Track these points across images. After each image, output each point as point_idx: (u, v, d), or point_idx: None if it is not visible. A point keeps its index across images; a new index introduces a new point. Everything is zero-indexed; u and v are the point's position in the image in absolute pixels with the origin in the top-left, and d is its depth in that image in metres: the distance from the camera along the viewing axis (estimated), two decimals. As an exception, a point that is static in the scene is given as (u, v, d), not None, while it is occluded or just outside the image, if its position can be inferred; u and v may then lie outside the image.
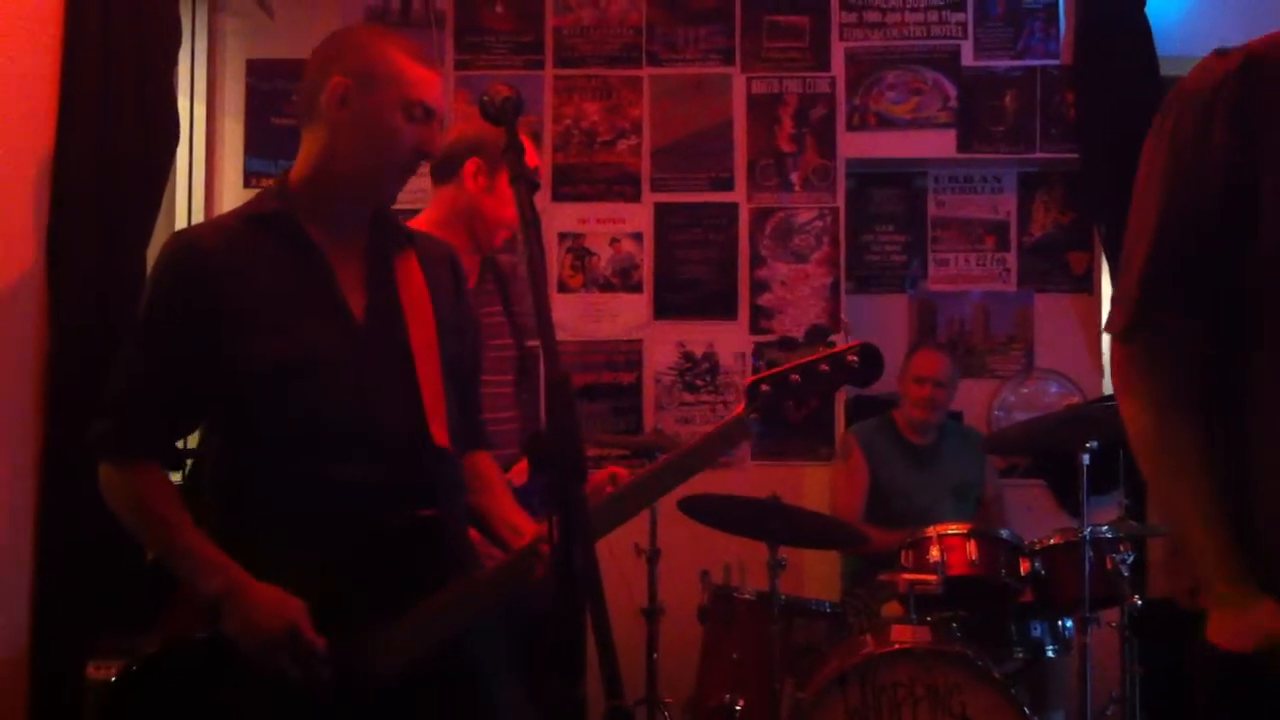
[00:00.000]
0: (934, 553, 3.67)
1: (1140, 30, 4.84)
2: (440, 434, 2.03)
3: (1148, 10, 4.83)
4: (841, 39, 4.99)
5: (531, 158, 2.54)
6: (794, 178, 4.93)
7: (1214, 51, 1.68)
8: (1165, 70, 4.80)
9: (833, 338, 4.73)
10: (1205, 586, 1.61)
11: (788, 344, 4.77)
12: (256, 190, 2.50)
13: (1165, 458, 1.64)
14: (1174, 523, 1.66)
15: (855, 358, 2.09)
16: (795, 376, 2.07)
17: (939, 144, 4.98)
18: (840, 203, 4.91)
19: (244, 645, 1.90)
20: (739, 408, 2.10)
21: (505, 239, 2.85)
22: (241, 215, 2.10)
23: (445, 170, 2.78)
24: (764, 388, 2.08)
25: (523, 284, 2.90)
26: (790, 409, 2.10)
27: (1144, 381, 1.67)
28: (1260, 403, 1.61)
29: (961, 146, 4.98)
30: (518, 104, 1.90)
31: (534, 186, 1.84)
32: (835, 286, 4.83)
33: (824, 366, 2.08)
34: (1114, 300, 1.73)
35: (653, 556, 3.82)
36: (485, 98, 1.90)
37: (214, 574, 1.93)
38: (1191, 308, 1.65)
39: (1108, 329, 1.72)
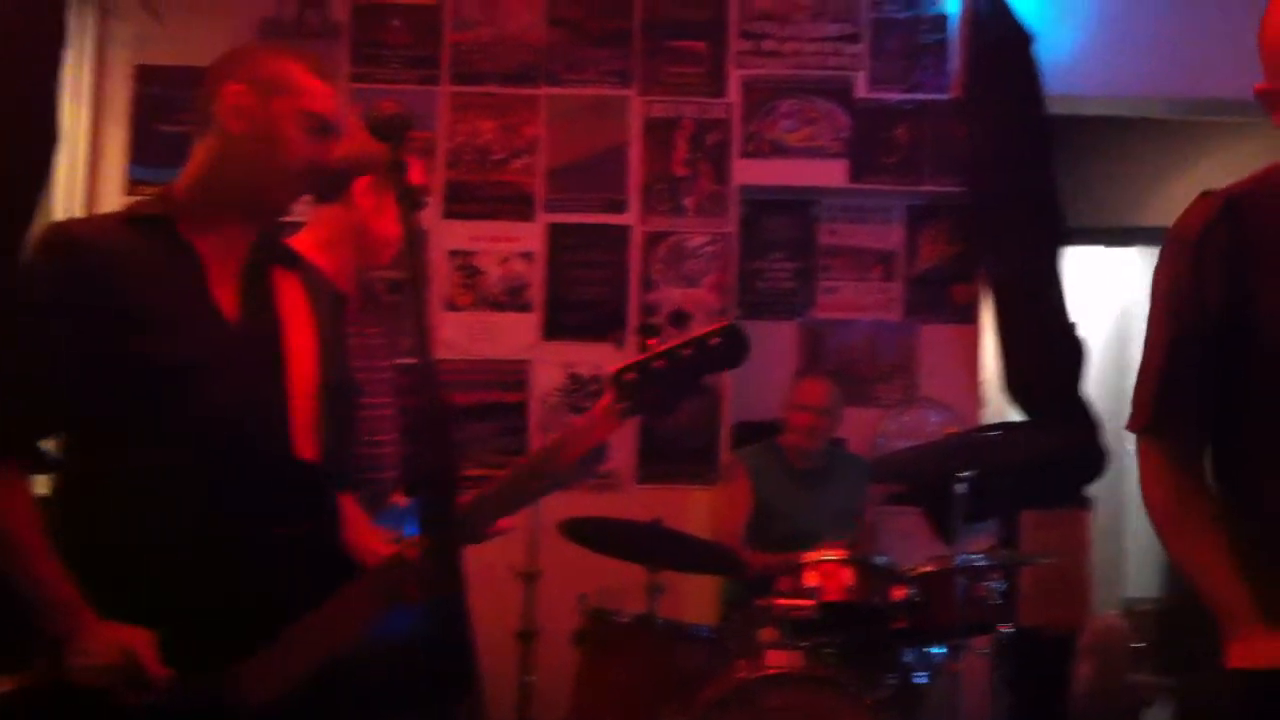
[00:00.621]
0: (811, 578, 3.70)
1: (1030, 68, 4.95)
2: (307, 448, 1.99)
3: (1037, 48, 4.95)
4: (738, 66, 5.04)
5: (416, 175, 2.51)
6: (688, 202, 4.96)
7: (1200, 195, 1.93)
8: (1053, 108, 4.92)
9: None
10: (1230, 627, 1.85)
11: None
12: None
13: (1185, 526, 1.91)
14: (1196, 579, 1.89)
15: (718, 340, 2.05)
16: (660, 363, 2.04)
17: (831, 173, 5.05)
18: (733, 228, 4.95)
19: (83, 679, 1.83)
20: (605, 399, 2.07)
21: (392, 257, 2.81)
22: (120, 216, 2.05)
23: (332, 188, 2.73)
24: (629, 376, 2.05)
25: (405, 303, 2.87)
26: (658, 397, 2.08)
27: (1161, 469, 1.93)
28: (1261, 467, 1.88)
29: (853, 176, 5.05)
30: (405, 121, 1.88)
31: (418, 205, 1.82)
32: (725, 312, 4.86)
33: (687, 350, 2.05)
34: (1134, 403, 1.98)
35: (530, 579, 3.81)
36: (372, 114, 1.88)
37: (60, 614, 1.86)
38: (1197, 410, 1.92)
39: (1130, 427, 1.98)
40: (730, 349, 2.05)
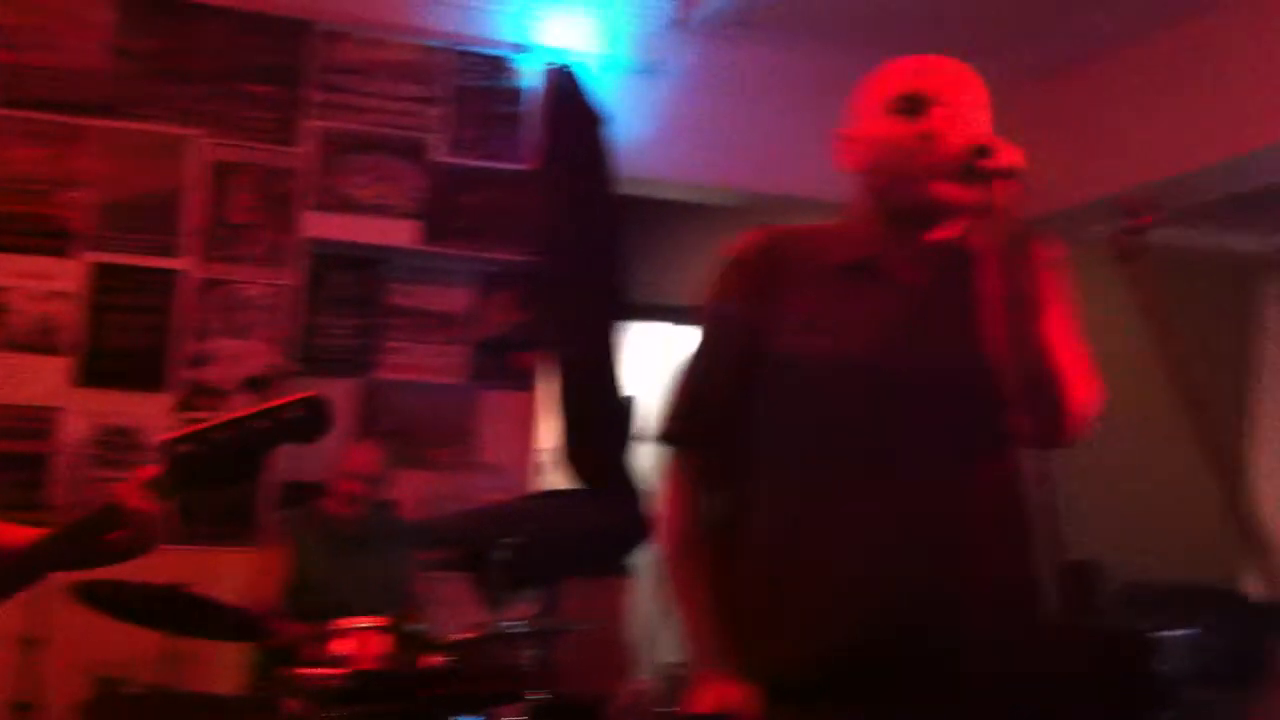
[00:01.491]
0: (342, 646, 3.58)
1: (602, 147, 5.10)
2: None
3: (613, 129, 5.10)
4: (313, 116, 4.93)
5: None
6: (248, 251, 4.78)
7: (752, 228, 2.01)
8: (624, 189, 5.08)
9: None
10: (695, 667, 1.87)
11: (255, 385, 4.58)
12: None
13: (682, 558, 1.94)
14: (682, 607, 1.92)
15: (301, 410, 1.84)
16: (224, 433, 1.81)
17: (402, 233, 5.00)
18: (296, 281, 4.81)
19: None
20: (148, 470, 1.82)
21: None
22: None
23: None
24: (184, 448, 1.81)
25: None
26: (217, 474, 1.85)
27: (681, 487, 1.97)
28: (749, 524, 1.91)
29: (424, 238, 5.02)
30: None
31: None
32: (282, 367, 4.70)
33: (260, 422, 1.82)
34: (665, 415, 2.00)
35: (31, 645, 3.50)
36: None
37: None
38: (725, 429, 1.93)
39: (657, 438, 2.00)
40: (309, 422, 1.84)
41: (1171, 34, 4.89)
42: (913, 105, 1.88)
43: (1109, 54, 5.16)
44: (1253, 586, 5.78)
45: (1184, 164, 4.84)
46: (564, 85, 5.11)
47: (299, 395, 1.85)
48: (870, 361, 1.85)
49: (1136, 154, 4.98)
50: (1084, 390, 1.79)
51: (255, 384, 4.67)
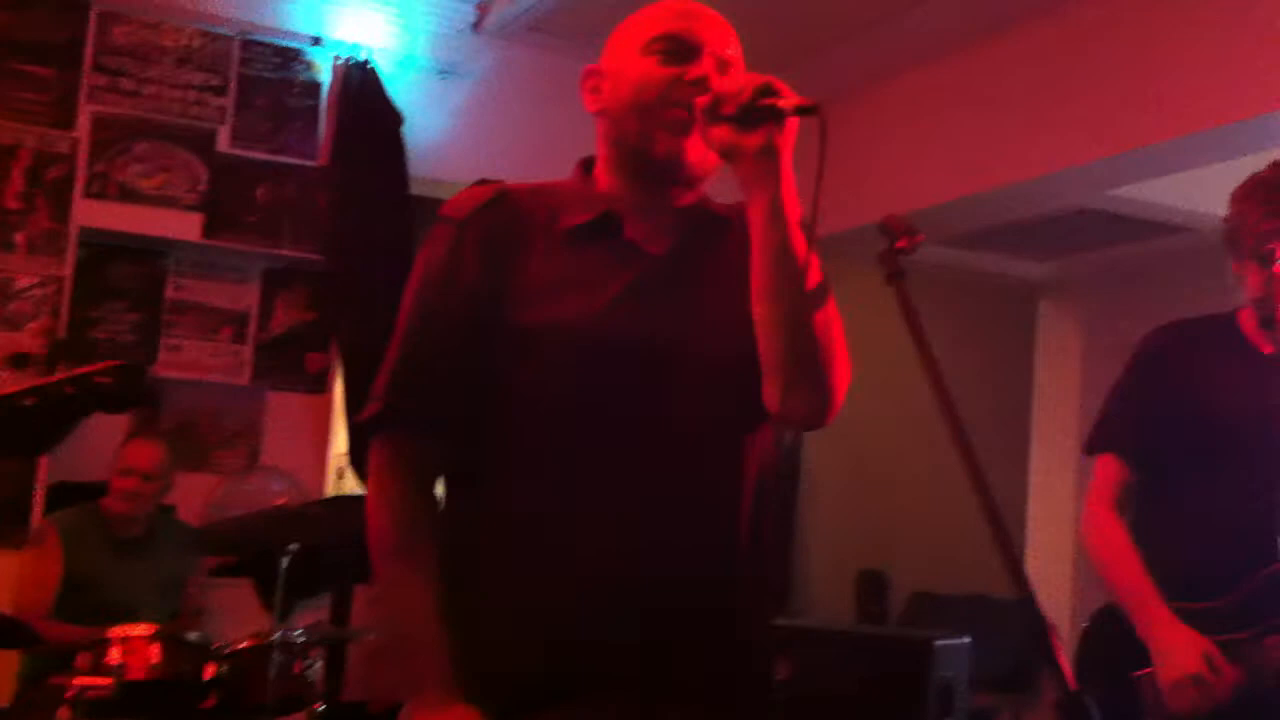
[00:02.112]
0: (114, 655, 3.43)
1: (396, 146, 5.03)
2: None
3: (405, 129, 5.04)
4: (90, 100, 4.72)
5: None
6: (19, 239, 4.54)
7: (475, 182, 1.79)
8: (417, 189, 5.01)
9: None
10: (415, 686, 1.63)
11: (19, 361, 4.34)
12: None
13: (396, 560, 1.67)
14: (398, 622, 1.68)
15: (109, 378, 1.73)
16: (30, 399, 1.70)
17: (184, 226, 4.83)
18: (68, 272, 4.59)
19: None
20: None
21: None
22: None
23: None
24: None
25: None
26: (20, 440, 1.78)
27: (391, 468, 1.71)
28: (477, 518, 1.70)
29: (208, 232, 4.86)
30: None
31: None
32: (49, 359, 4.47)
33: (69, 388, 1.71)
34: (368, 397, 1.74)
35: None
36: None
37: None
38: (432, 423, 1.71)
39: (359, 417, 1.75)
40: (121, 390, 1.74)
41: (950, 62, 5.11)
42: (679, 48, 1.70)
43: (891, 80, 5.35)
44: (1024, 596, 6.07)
45: (964, 189, 5.05)
46: (357, 81, 5.02)
47: (111, 363, 1.76)
48: (606, 335, 1.67)
49: (918, 178, 5.18)
50: (845, 368, 1.66)
51: (17, 360, 4.43)
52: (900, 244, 1.55)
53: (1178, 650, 2.41)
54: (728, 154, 1.62)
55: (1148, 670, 2.45)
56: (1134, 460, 2.60)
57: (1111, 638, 2.59)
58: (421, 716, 1.61)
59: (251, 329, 4.98)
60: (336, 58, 5.03)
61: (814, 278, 1.62)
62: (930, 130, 5.21)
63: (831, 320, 1.64)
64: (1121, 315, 5.59)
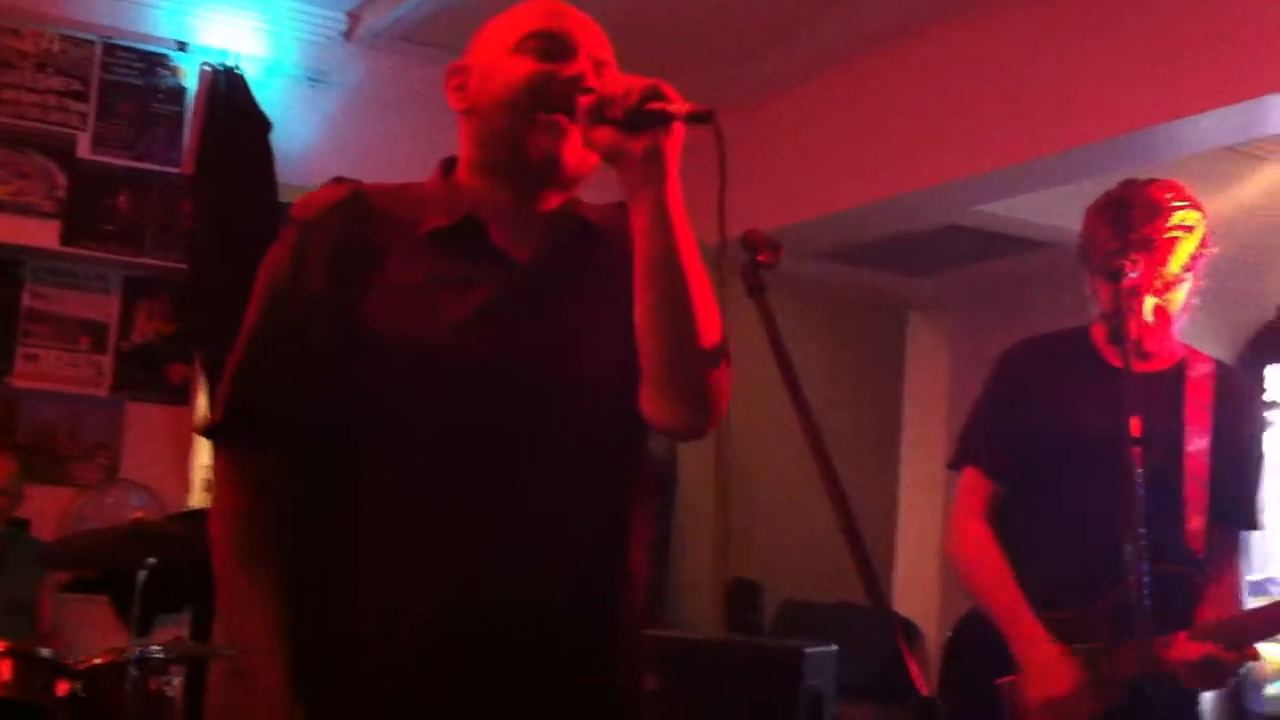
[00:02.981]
0: (-38, 673, 3.31)
1: (263, 154, 4.94)
2: None
3: (272, 136, 4.95)
4: (-59, 103, 4.56)
5: None
6: None
7: (329, 181, 1.71)
8: (285, 197, 4.92)
9: None
10: (252, 704, 1.58)
11: None
12: None
13: (239, 579, 1.60)
14: (235, 637, 1.63)
15: None
16: None
17: (41, 233, 4.70)
18: (-85, 279, 4.43)
19: None
20: None
21: None
22: None
23: None
24: None
25: None
26: None
27: (226, 492, 1.64)
28: (325, 537, 1.62)
29: (66, 239, 4.73)
30: None
31: None
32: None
33: None
34: (211, 403, 1.70)
35: None
36: None
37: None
38: (275, 434, 1.63)
39: (200, 431, 1.68)
40: None
41: (821, 82, 5.19)
42: (554, 46, 1.64)
43: (761, 98, 5.41)
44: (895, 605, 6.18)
45: (835, 205, 5.13)
46: (224, 87, 4.92)
47: None
48: (469, 347, 1.59)
49: (791, 194, 5.24)
50: (727, 378, 1.60)
51: None
52: (762, 258, 1.54)
53: (1049, 671, 2.44)
54: (611, 157, 1.55)
55: (1010, 679, 2.49)
56: (995, 473, 2.65)
57: (973, 645, 2.63)
58: None
59: (112, 339, 4.85)
60: (203, 63, 4.93)
61: (698, 285, 1.57)
62: (801, 148, 5.28)
63: (715, 328, 1.58)
64: (988, 329, 5.71)
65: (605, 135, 1.54)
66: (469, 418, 1.59)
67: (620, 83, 1.55)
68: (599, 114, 1.55)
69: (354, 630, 1.59)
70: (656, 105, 1.51)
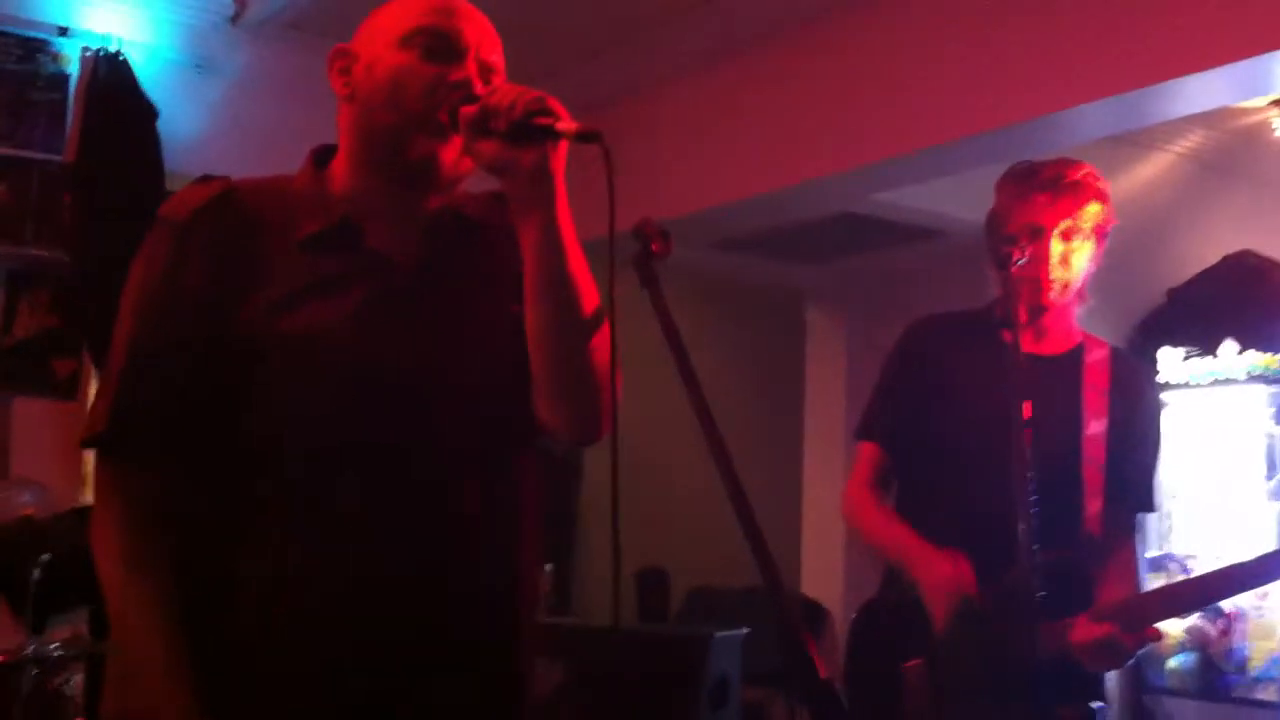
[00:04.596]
0: None
1: (149, 141, 4.82)
2: None
3: (159, 125, 4.83)
4: None
5: None
6: None
7: (196, 179, 1.67)
8: (172, 186, 4.81)
9: None
10: (154, 714, 1.52)
11: None
12: None
13: (118, 591, 1.55)
14: (135, 655, 1.54)
15: None
16: None
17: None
18: None
19: None
20: None
21: None
22: None
23: None
24: None
25: None
26: None
27: (105, 505, 1.59)
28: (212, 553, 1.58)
29: (-60, 233, 4.57)
30: None
31: None
32: None
33: None
34: (90, 412, 1.62)
35: None
36: None
37: None
38: (154, 447, 1.58)
39: (81, 441, 1.62)
40: None
41: (714, 71, 5.20)
42: (443, 46, 1.60)
43: (655, 88, 5.42)
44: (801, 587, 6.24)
45: (729, 195, 5.16)
46: (107, 74, 4.80)
47: None
48: (348, 355, 1.56)
49: (684, 185, 5.25)
50: (619, 387, 1.59)
51: None
52: (654, 248, 1.55)
53: (939, 573, 2.45)
54: (497, 171, 1.54)
55: (916, 662, 2.50)
56: (892, 449, 2.68)
57: (878, 628, 2.66)
58: None
59: (-8, 332, 4.70)
60: (85, 49, 4.79)
61: (589, 298, 1.57)
62: (695, 137, 5.30)
63: (605, 340, 1.57)
64: (884, 316, 5.78)
65: (490, 148, 1.53)
66: (349, 423, 1.56)
67: (506, 94, 1.52)
68: (483, 126, 1.53)
69: (244, 636, 1.56)
70: (543, 121, 1.49)
